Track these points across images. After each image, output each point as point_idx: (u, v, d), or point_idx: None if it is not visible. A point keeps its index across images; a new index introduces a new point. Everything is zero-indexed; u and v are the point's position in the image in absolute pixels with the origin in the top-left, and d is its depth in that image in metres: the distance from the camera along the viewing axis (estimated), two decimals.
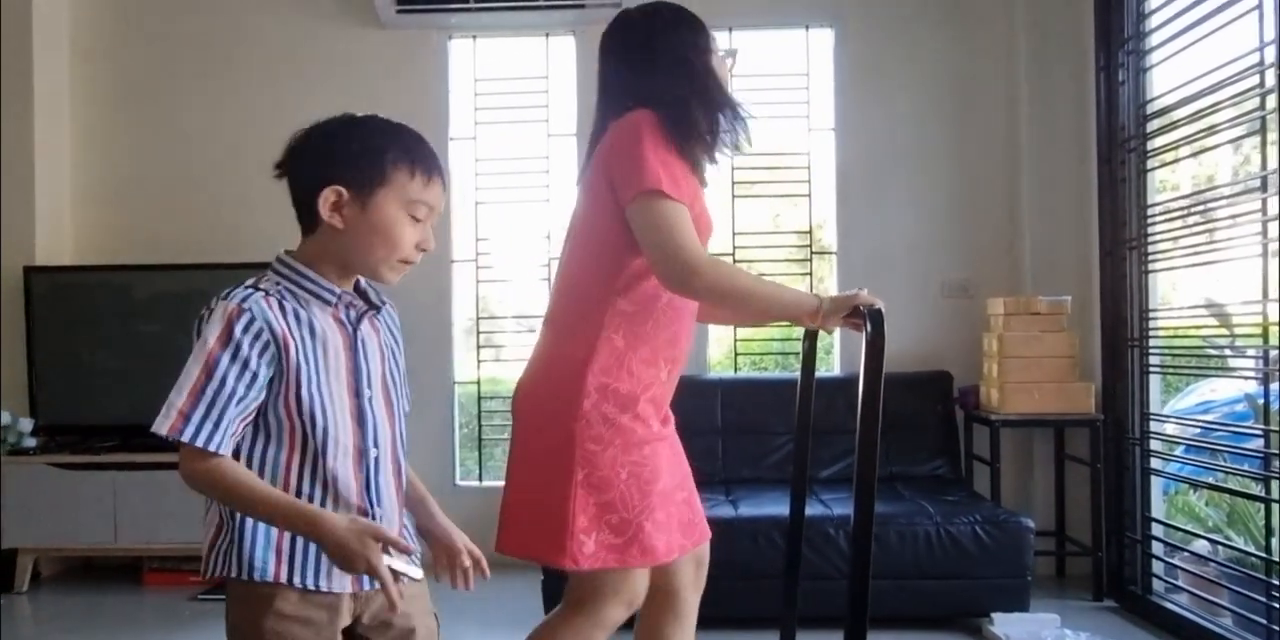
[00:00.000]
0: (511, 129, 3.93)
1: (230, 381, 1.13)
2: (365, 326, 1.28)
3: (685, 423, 3.45)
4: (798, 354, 3.66)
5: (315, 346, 1.19)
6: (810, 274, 3.92)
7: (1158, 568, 3.14)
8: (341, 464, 1.21)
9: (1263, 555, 2.64)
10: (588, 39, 3.70)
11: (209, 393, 1.11)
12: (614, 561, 1.56)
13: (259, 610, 1.17)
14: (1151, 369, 3.18)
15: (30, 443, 3.52)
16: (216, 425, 1.11)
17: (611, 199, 1.57)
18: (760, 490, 3.24)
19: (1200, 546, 3.07)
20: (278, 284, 1.21)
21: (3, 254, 3.62)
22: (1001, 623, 2.83)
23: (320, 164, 1.20)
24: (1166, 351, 3.19)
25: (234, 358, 1.13)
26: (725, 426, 3.54)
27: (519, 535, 1.62)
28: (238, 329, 1.13)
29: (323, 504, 1.19)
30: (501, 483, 1.69)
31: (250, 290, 1.18)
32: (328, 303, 1.22)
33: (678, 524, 1.67)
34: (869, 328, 1.49)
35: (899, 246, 3.77)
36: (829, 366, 4.01)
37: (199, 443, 1.11)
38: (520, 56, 3.94)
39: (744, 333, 3.95)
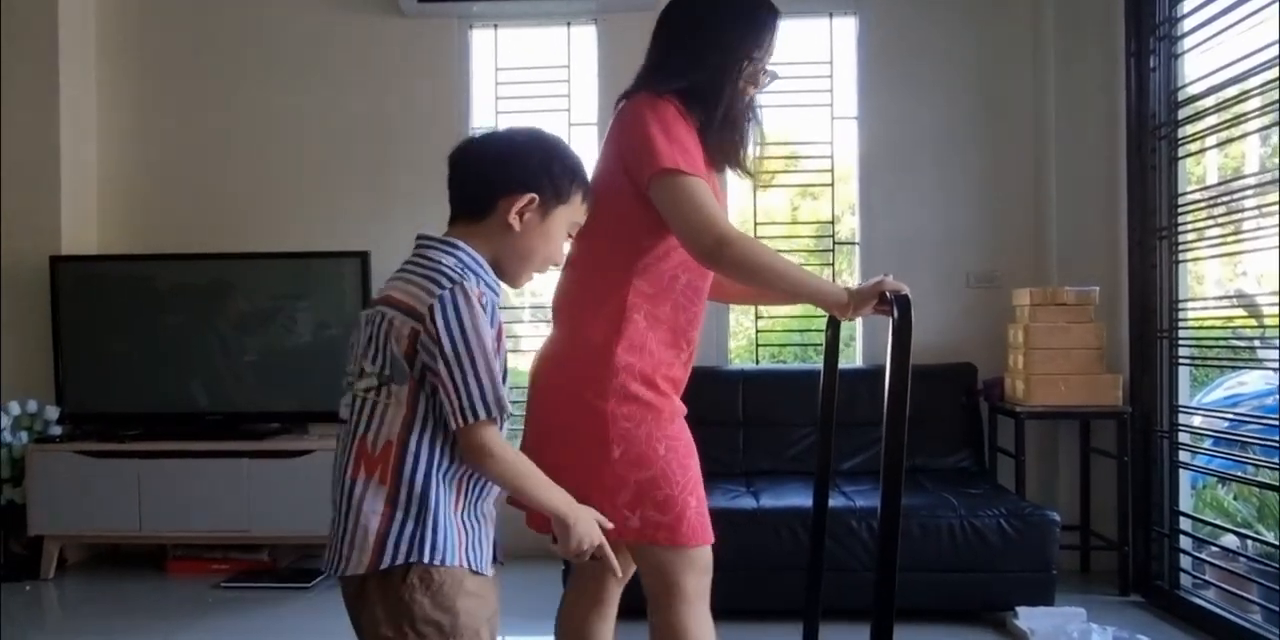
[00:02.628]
0: (533, 118, 3.91)
1: (501, 354, 1.24)
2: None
3: (706, 414, 3.44)
4: (818, 345, 3.64)
5: (500, 332, 1.30)
6: (832, 265, 3.89)
7: (1185, 562, 3.09)
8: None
9: None
10: (609, 27, 3.68)
11: (498, 370, 1.21)
12: (664, 539, 1.55)
13: (452, 591, 1.20)
14: (1180, 361, 3.13)
15: (56, 431, 3.55)
16: (505, 396, 1.22)
17: (627, 181, 1.56)
18: (781, 482, 3.22)
19: (1229, 541, 3.02)
20: (467, 268, 1.29)
21: (29, 244, 3.65)
22: (1026, 617, 2.79)
23: (529, 170, 1.32)
24: (1195, 343, 3.14)
25: (496, 337, 1.23)
26: (746, 418, 3.52)
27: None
28: (488, 308, 1.23)
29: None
30: None
31: (469, 273, 1.26)
32: (497, 294, 1.32)
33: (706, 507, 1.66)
34: (896, 314, 1.47)
35: (923, 237, 3.72)
36: (851, 358, 3.98)
37: (499, 417, 1.21)
38: (541, 45, 3.92)
39: (764, 324, 3.92)
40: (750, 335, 4.06)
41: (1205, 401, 3.72)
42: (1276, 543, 2.80)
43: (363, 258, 3.57)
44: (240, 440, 3.44)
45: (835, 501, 2.93)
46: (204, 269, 3.70)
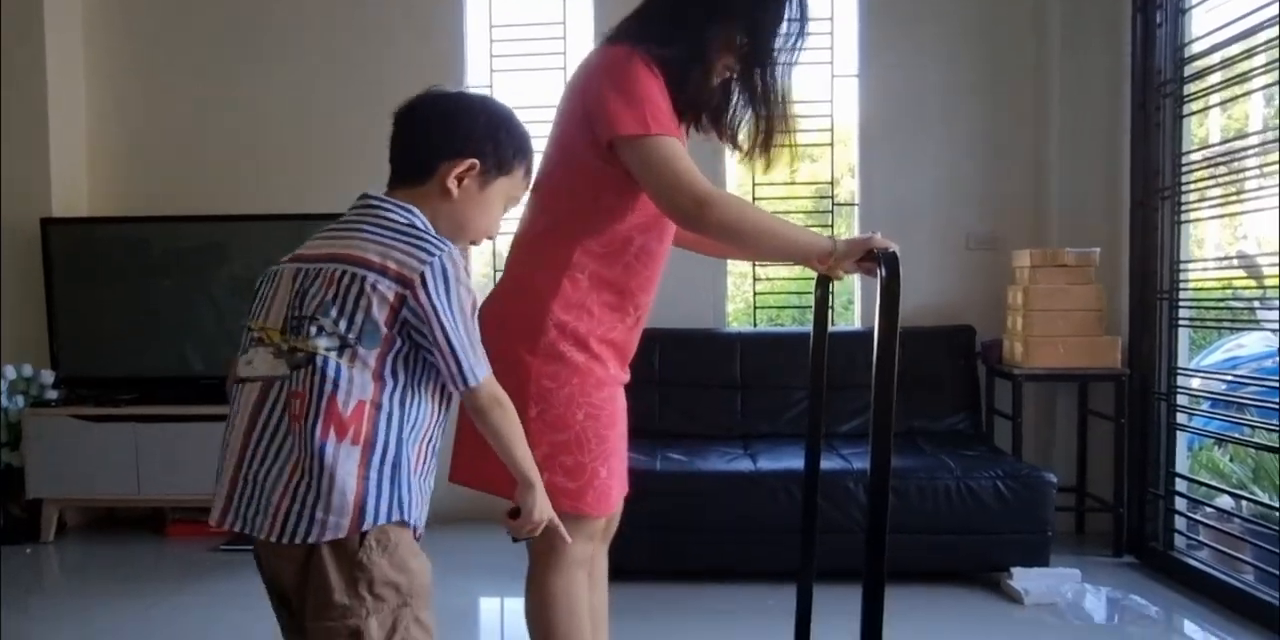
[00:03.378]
0: (528, 77, 3.84)
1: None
2: None
3: (703, 377, 3.49)
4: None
5: None
6: (831, 227, 3.85)
7: (1180, 524, 3.11)
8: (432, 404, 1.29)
9: None
10: None
11: (477, 334, 1.22)
12: (567, 506, 1.49)
13: (406, 552, 1.19)
14: (1180, 323, 3.11)
15: (52, 395, 3.54)
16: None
17: (589, 132, 1.50)
18: (778, 445, 3.21)
19: (1224, 503, 3.03)
20: None
21: (20, 207, 3.61)
22: (1021, 577, 2.81)
23: (474, 135, 1.28)
24: (1195, 305, 3.12)
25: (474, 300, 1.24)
26: (744, 381, 3.51)
27: (470, 463, 1.55)
28: (467, 276, 1.22)
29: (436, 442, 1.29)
30: None
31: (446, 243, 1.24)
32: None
33: (622, 477, 1.65)
34: (883, 271, 1.44)
35: (923, 197, 3.68)
36: (849, 321, 3.97)
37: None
38: (537, 2, 3.84)
39: (762, 287, 3.89)
40: (748, 298, 4.03)
41: (1204, 364, 3.72)
42: (1271, 504, 2.81)
43: None
44: None
45: (831, 463, 2.94)
46: (197, 232, 3.66)
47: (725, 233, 1.50)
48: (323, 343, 1.15)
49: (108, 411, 3.45)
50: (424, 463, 1.24)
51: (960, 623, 2.61)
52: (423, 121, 1.29)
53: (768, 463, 2.97)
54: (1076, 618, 2.65)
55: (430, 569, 1.24)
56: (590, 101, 1.50)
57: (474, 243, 1.35)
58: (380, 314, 1.14)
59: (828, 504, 2.80)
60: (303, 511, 1.13)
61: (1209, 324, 3.27)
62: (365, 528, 1.14)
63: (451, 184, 1.26)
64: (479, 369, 1.20)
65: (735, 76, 1.59)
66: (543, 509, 1.30)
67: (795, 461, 2.95)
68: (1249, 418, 3.02)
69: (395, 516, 1.17)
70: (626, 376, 1.68)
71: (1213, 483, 3.14)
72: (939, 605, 2.74)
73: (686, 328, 3.60)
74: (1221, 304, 3.20)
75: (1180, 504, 3.12)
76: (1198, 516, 3.08)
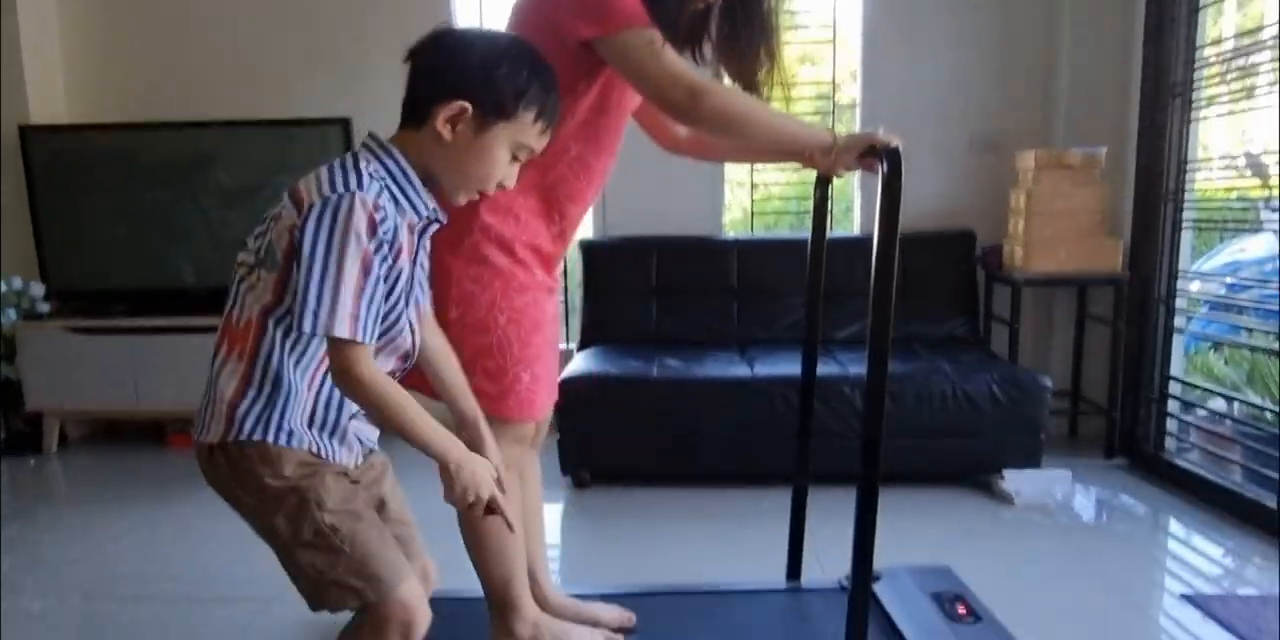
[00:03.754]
0: None
1: (381, 283, 1.12)
2: (425, 239, 1.26)
3: (700, 284, 3.46)
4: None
5: (405, 256, 1.19)
6: (831, 129, 3.73)
7: (1172, 426, 3.14)
8: (383, 363, 1.21)
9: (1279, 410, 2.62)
10: None
11: (369, 293, 1.10)
12: (490, 410, 1.46)
13: (297, 471, 1.17)
14: (1184, 225, 3.06)
15: (44, 308, 3.51)
16: (376, 325, 1.12)
17: (549, 29, 1.41)
18: (775, 351, 3.21)
19: (1216, 406, 3.06)
20: (383, 179, 1.17)
21: None
22: (1013, 479, 2.85)
23: (465, 75, 1.17)
24: (1200, 207, 3.06)
25: (378, 255, 1.11)
26: (741, 288, 3.48)
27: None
28: (380, 228, 1.11)
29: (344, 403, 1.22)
30: None
31: (375, 184, 1.14)
32: (417, 215, 1.21)
33: (550, 383, 1.64)
34: (885, 168, 1.40)
35: (925, 97, 3.56)
36: (848, 227, 3.91)
37: (367, 341, 1.10)
38: None
39: (760, 194, 3.82)
40: (745, 207, 3.96)
41: (1204, 268, 3.68)
42: (1264, 405, 2.83)
43: (344, 124, 3.43)
44: None
45: (828, 369, 2.94)
46: (182, 139, 3.55)
47: (720, 123, 1.45)
48: (243, 258, 1.20)
49: (101, 324, 3.44)
50: (319, 395, 1.20)
51: (952, 523, 2.66)
52: (425, 62, 1.20)
53: (764, 369, 2.97)
54: (1066, 518, 2.70)
55: (353, 502, 1.21)
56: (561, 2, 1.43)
57: (485, 191, 1.24)
58: (280, 240, 1.13)
59: (824, 409, 2.82)
60: (200, 414, 1.20)
61: (1213, 226, 3.22)
62: (231, 438, 1.16)
63: (443, 129, 1.17)
64: (329, 321, 1.07)
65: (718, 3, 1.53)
66: (465, 485, 1.17)
67: (792, 367, 2.94)
68: (1247, 320, 3.01)
69: (266, 436, 1.16)
70: (555, 283, 1.67)
71: (1207, 385, 3.15)
72: (931, 506, 2.78)
73: (683, 235, 3.56)
74: (1226, 206, 3.14)
75: (1173, 407, 3.14)
76: (1190, 419, 3.11)
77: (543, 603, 1.77)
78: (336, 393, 1.20)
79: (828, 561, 2.26)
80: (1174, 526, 2.66)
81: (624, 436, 2.95)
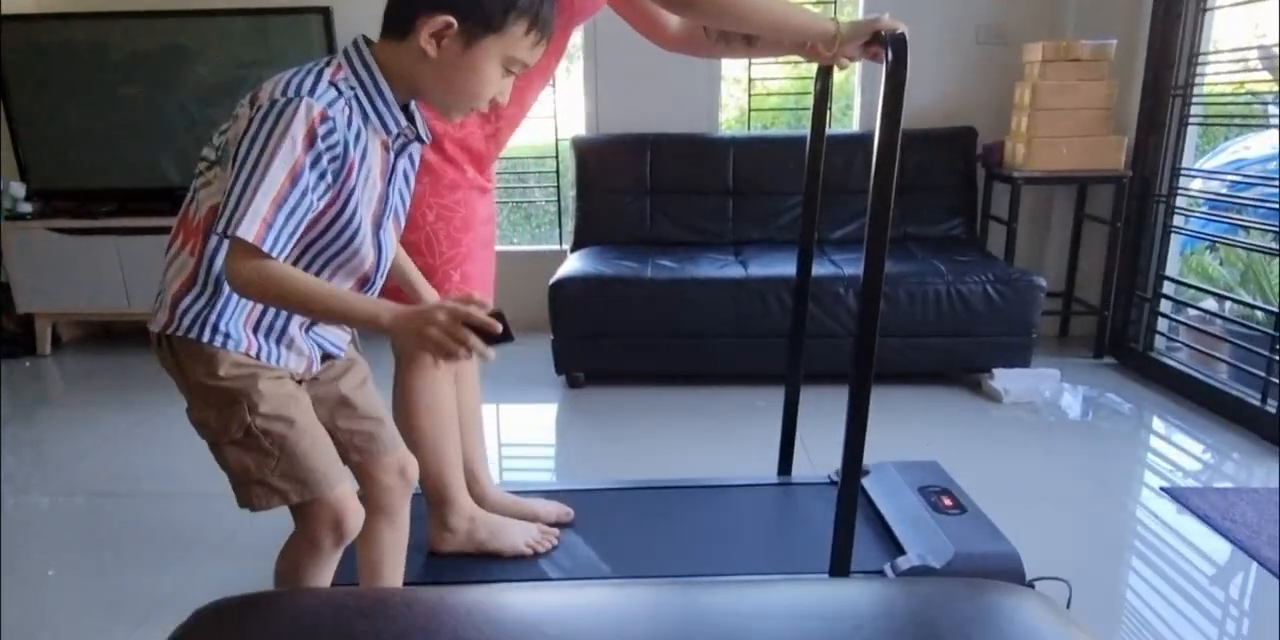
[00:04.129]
0: None
1: (309, 194, 1.06)
2: (403, 158, 1.21)
3: (695, 183, 3.40)
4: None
5: (363, 170, 1.13)
6: (834, 18, 3.59)
7: (1162, 325, 3.16)
8: (341, 280, 1.19)
9: (1273, 310, 2.63)
10: None
11: (291, 202, 1.04)
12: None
13: (232, 371, 1.17)
14: (1190, 120, 2.99)
15: (26, 208, 3.45)
16: (291, 236, 1.05)
17: None
18: (770, 251, 3.19)
19: (1208, 306, 3.06)
20: (352, 89, 1.10)
21: None
22: (1002, 378, 2.88)
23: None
24: (1208, 102, 2.98)
25: (314, 167, 1.05)
26: (736, 187, 3.42)
27: None
28: (320, 137, 1.05)
29: None
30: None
31: (332, 92, 1.08)
32: (386, 131, 1.15)
33: (483, 283, 1.62)
34: (889, 56, 1.34)
35: None
36: (848, 124, 3.81)
37: (275, 252, 1.04)
38: None
39: (757, 89, 3.71)
40: (741, 105, 3.85)
41: (1207, 167, 3.63)
42: (1256, 304, 2.84)
43: (324, 13, 3.30)
44: None
45: (822, 269, 2.92)
46: (156, 30, 3.41)
47: (715, 9, 1.39)
48: (204, 153, 1.17)
49: (86, 224, 3.38)
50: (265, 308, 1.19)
51: (941, 420, 2.70)
52: None
53: (758, 269, 2.95)
54: (1052, 415, 2.75)
55: (296, 405, 1.21)
56: None
57: (479, 107, 1.17)
58: (234, 139, 1.08)
59: (817, 309, 2.82)
60: (155, 302, 1.20)
61: (1220, 123, 3.15)
62: (170, 331, 1.15)
63: (428, 44, 1.09)
64: (237, 221, 1.00)
65: None
66: (417, 344, 1.05)
67: (786, 268, 2.93)
68: (1247, 219, 2.98)
69: (203, 336, 1.15)
70: (488, 184, 1.63)
71: (1201, 285, 3.15)
72: (921, 404, 2.82)
73: (678, 132, 3.47)
74: (1234, 102, 3.06)
75: (1165, 306, 3.15)
76: (1180, 319, 3.12)
77: (481, 500, 1.80)
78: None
79: (817, 457, 2.31)
80: (1157, 423, 2.71)
81: (617, 337, 2.95)
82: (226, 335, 1.16)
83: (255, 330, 1.19)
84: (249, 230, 1.01)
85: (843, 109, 4.22)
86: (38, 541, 2.05)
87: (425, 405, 1.62)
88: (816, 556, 1.58)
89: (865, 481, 1.96)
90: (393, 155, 1.17)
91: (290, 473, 1.19)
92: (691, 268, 2.97)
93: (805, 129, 3.84)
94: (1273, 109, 3.02)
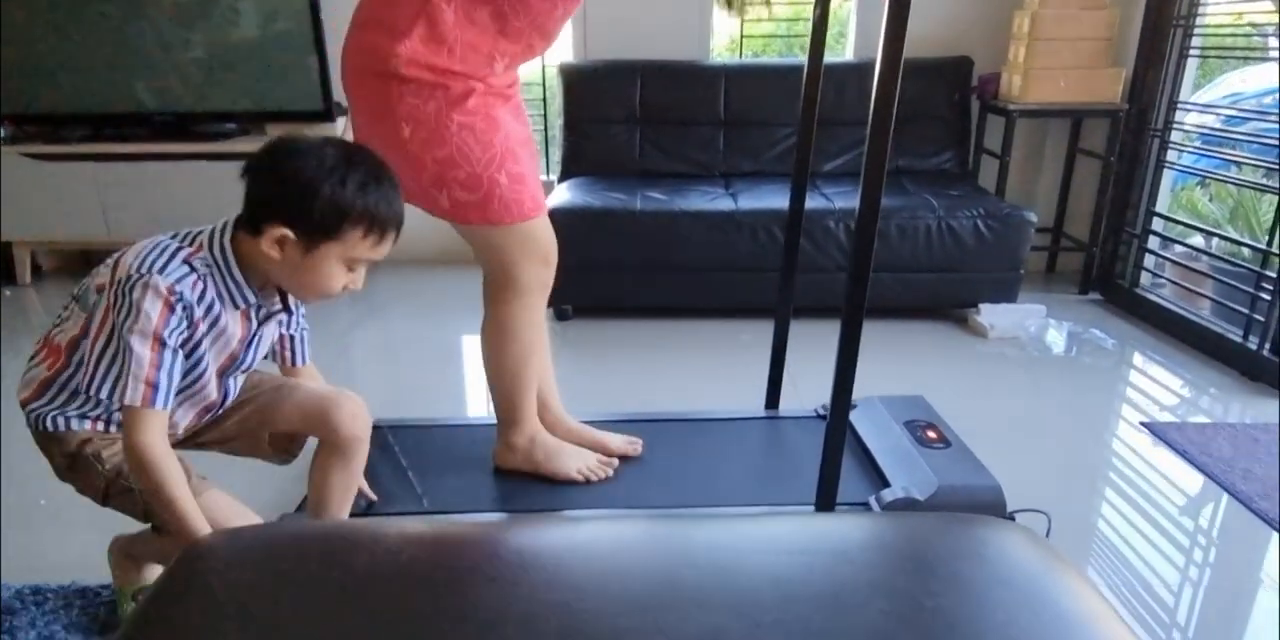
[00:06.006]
0: None
1: (176, 356, 1.17)
2: (269, 324, 1.31)
3: (684, 114, 3.33)
4: (805, 39, 3.37)
5: (211, 332, 1.23)
6: None
7: (1149, 262, 3.16)
8: (182, 414, 1.31)
9: (1261, 247, 2.63)
10: None
11: (166, 365, 1.15)
12: (477, 218, 1.55)
13: (90, 446, 1.28)
14: (1190, 53, 2.94)
15: None
16: (170, 391, 1.16)
17: None
18: (761, 183, 3.15)
19: (1195, 243, 3.07)
20: (208, 267, 1.20)
21: None
22: (988, 313, 2.90)
23: (288, 199, 1.16)
24: (1209, 34, 2.93)
25: (171, 331, 1.16)
26: (727, 117, 3.36)
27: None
28: (174, 310, 1.16)
29: None
30: None
31: (184, 268, 1.17)
32: (238, 306, 1.24)
33: (533, 182, 1.62)
34: None
35: None
36: (841, 52, 3.73)
37: (163, 407, 1.16)
38: None
39: (750, 15, 3.60)
40: (733, 34, 3.75)
41: (1203, 100, 3.58)
42: (1243, 241, 2.84)
43: None
44: (195, 142, 3.28)
45: (814, 203, 2.89)
46: None
47: None
48: (78, 287, 1.27)
49: (60, 150, 3.30)
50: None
51: (926, 355, 2.72)
52: (251, 178, 1.18)
53: (749, 202, 2.92)
54: (1036, 350, 2.77)
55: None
56: None
57: (329, 298, 1.25)
58: (89, 292, 1.22)
59: (808, 243, 2.80)
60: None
61: (1220, 55, 3.09)
62: (31, 413, 1.28)
63: (272, 251, 1.18)
64: (127, 392, 1.14)
65: None
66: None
67: (777, 201, 2.91)
68: (1240, 154, 2.96)
69: (55, 427, 1.27)
70: (510, 92, 1.60)
71: (1190, 221, 3.15)
72: (907, 339, 2.84)
73: (668, 60, 3.39)
74: (1235, 32, 3.00)
75: (1154, 243, 3.15)
76: (1168, 255, 3.13)
77: (553, 427, 1.86)
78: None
79: (805, 391, 2.33)
80: (1139, 359, 2.74)
81: (605, 270, 2.93)
82: (77, 419, 1.27)
83: (98, 422, 1.29)
84: (135, 397, 1.13)
85: (835, 36, 4.11)
86: (16, 474, 2.05)
87: (513, 333, 1.68)
88: (803, 490, 1.60)
89: (852, 415, 1.97)
90: (255, 323, 1.27)
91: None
92: (681, 200, 2.94)
93: (798, 58, 3.76)
94: (1273, 41, 2.97)
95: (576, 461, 1.79)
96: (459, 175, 1.50)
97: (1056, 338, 2.85)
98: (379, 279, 3.54)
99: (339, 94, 3.35)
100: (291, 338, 1.42)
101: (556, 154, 3.45)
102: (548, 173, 3.70)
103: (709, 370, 2.59)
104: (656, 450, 1.90)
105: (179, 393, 1.23)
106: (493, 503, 1.73)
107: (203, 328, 1.20)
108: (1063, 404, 2.38)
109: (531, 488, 1.77)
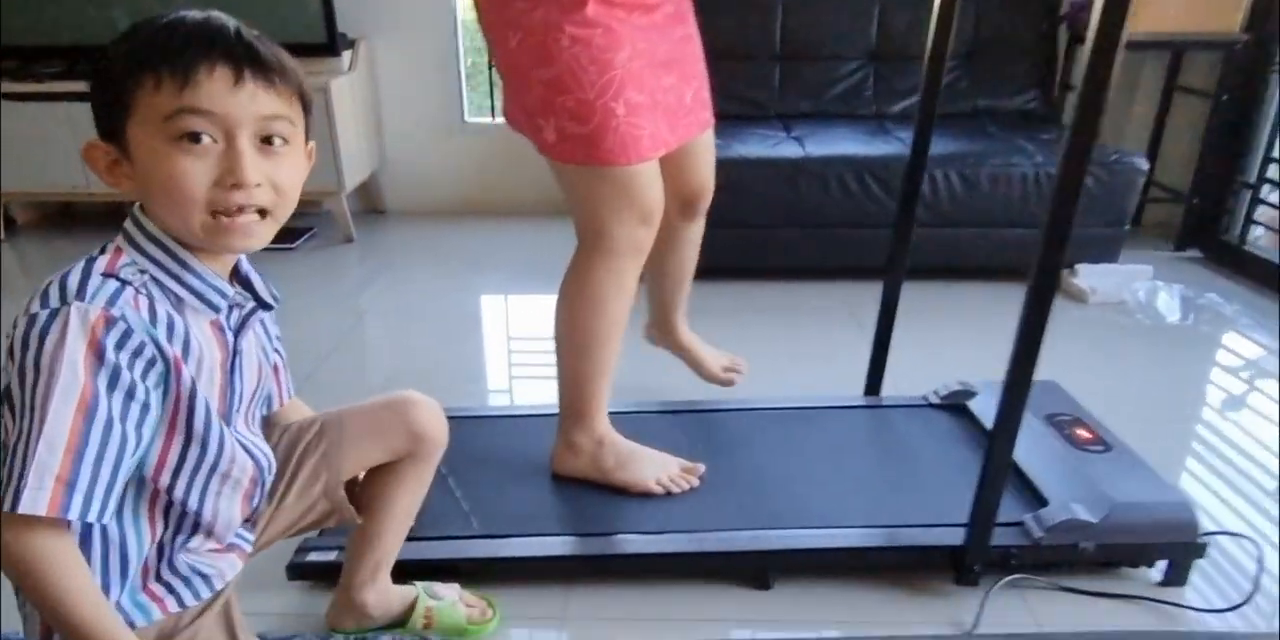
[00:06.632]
0: None
1: (118, 424, 0.75)
2: (248, 335, 0.90)
3: (734, 47, 2.93)
4: None
5: (193, 367, 0.82)
6: None
7: (1262, 214, 2.81)
8: (227, 512, 0.90)
9: None
10: None
11: (94, 443, 0.73)
12: (581, 157, 1.28)
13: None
14: None
15: None
16: (109, 490, 0.74)
17: None
18: (825, 126, 2.78)
19: None
20: (144, 273, 0.81)
21: None
22: (1087, 274, 2.56)
23: (95, 116, 0.81)
24: None
25: (114, 386, 0.75)
26: (784, 51, 2.96)
27: (507, 103, 1.41)
28: (110, 347, 0.75)
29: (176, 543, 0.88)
30: None
31: (111, 284, 0.78)
32: (213, 309, 0.84)
33: (664, 113, 1.33)
34: None
35: None
36: None
37: (90, 517, 0.73)
38: None
39: None
40: None
41: None
42: None
43: None
44: None
45: (889, 147, 2.53)
46: None
47: None
48: None
49: (31, 88, 2.92)
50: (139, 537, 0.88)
51: (1014, 324, 2.38)
52: None
53: (817, 147, 2.55)
54: (1148, 317, 2.43)
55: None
56: None
57: (223, 213, 0.80)
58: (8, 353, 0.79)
59: (885, 195, 2.45)
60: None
61: None
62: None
63: (122, 185, 0.82)
64: (21, 495, 0.70)
65: None
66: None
67: (849, 146, 2.55)
68: None
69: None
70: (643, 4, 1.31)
71: None
72: (994, 305, 2.50)
73: None
74: None
75: (1267, 194, 2.79)
76: None
77: (671, 332, 1.83)
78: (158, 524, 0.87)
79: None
80: (1273, 326, 2.41)
81: None
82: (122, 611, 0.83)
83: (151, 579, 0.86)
84: (37, 502, 0.70)
85: None
86: None
87: (594, 302, 1.38)
88: (929, 500, 1.30)
89: (974, 406, 1.66)
90: (231, 336, 0.87)
91: None
92: (739, 146, 2.56)
93: None
94: None
95: (654, 469, 1.47)
96: (568, 102, 1.25)
97: (1169, 302, 2.50)
98: (389, 231, 3.19)
99: (345, 24, 2.97)
100: (275, 365, 1.03)
101: None
102: None
103: (772, 342, 2.25)
104: (745, 450, 1.59)
105: (204, 481, 0.85)
106: (557, 523, 1.41)
107: (185, 364, 0.81)
108: (1197, 381, 2.05)
109: (600, 502, 1.45)
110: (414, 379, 2.05)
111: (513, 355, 2.25)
